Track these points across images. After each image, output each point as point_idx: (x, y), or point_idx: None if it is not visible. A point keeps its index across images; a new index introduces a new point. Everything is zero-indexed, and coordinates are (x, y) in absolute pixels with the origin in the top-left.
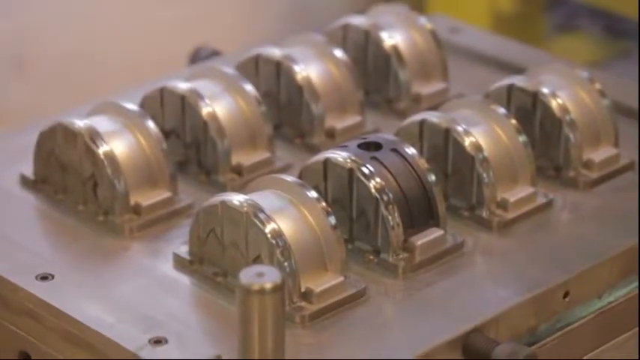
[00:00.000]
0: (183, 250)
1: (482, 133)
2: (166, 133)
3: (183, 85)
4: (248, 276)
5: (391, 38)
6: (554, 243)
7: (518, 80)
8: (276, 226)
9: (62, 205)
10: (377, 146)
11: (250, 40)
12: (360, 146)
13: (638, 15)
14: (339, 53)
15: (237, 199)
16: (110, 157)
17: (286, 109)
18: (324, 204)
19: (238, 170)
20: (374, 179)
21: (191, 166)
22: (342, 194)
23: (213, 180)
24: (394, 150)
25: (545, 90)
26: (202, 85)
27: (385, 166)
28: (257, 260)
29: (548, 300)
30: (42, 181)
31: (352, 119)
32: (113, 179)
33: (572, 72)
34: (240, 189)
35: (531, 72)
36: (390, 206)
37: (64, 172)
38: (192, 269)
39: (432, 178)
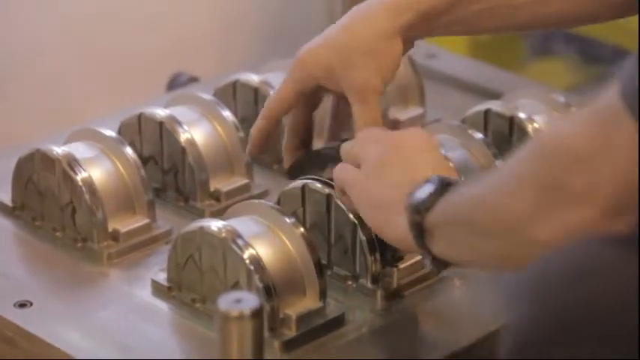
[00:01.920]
0: (162, 277)
1: (459, 157)
2: (144, 160)
3: (161, 112)
4: (226, 302)
5: None
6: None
7: (494, 105)
8: (254, 252)
9: (40, 232)
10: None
11: (228, 66)
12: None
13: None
14: None
15: (215, 225)
16: (88, 183)
17: None
18: (302, 229)
19: (216, 196)
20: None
21: (169, 192)
22: (320, 219)
23: (191, 206)
24: None
25: (521, 114)
26: (180, 112)
27: None
28: (235, 286)
29: None
30: (20, 207)
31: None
32: (91, 206)
33: (548, 96)
34: (219, 215)
35: (508, 97)
36: (368, 232)
37: (42, 199)
38: (171, 295)
39: None
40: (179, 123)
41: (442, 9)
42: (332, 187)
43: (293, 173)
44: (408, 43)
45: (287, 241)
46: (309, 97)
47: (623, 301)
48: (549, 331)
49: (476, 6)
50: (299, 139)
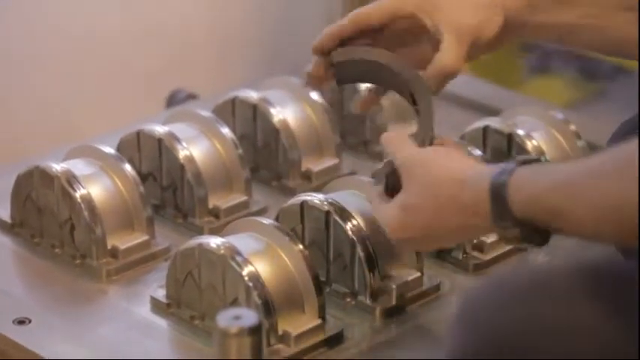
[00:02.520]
0: (161, 294)
1: None
2: (143, 176)
3: (160, 129)
4: (225, 319)
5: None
6: None
7: (493, 122)
8: (253, 269)
9: (39, 249)
10: None
11: (227, 83)
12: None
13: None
14: (315, 96)
15: (214, 242)
16: (87, 200)
17: (263, 152)
18: (301, 246)
19: (215, 213)
20: (350, 221)
21: (168, 209)
22: (319, 236)
23: (190, 223)
24: None
25: (520, 131)
26: (179, 129)
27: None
28: (234, 303)
29: None
30: (19, 224)
31: (329, 162)
32: (90, 223)
33: (547, 113)
34: (218, 232)
35: (506, 113)
36: (367, 248)
37: (41, 216)
38: (170, 312)
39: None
40: (178, 140)
41: (543, 6)
42: (331, 204)
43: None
44: (497, 41)
45: (286, 258)
46: (395, 32)
47: (556, 325)
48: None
49: (576, 11)
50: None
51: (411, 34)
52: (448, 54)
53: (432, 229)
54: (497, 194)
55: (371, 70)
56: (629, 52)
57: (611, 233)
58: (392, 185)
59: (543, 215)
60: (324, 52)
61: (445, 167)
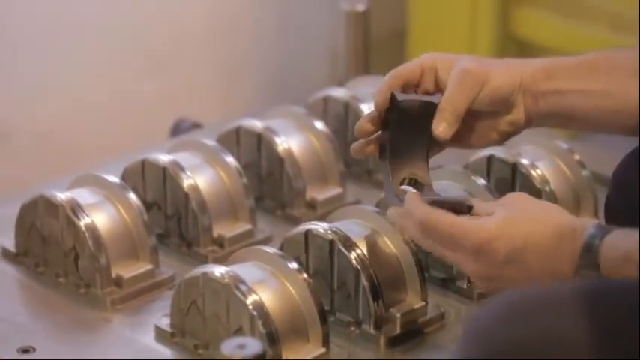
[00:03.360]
0: (165, 322)
1: None
2: (148, 205)
3: (164, 158)
4: (229, 347)
5: (371, 109)
6: None
7: (497, 151)
8: (257, 298)
9: (43, 277)
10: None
11: (231, 113)
12: None
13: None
14: (319, 125)
15: (218, 270)
16: (92, 229)
17: (267, 181)
18: (305, 275)
19: (220, 242)
20: (354, 250)
21: (172, 238)
22: (323, 265)
23: (194, 252)
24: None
25: (524, 161)
26: (183, 158)
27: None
28: (238, 332)
29: None
30: (23, 253)
31: (333, 191)
32: (95, 252)
33: (551, 143)
34: (222, 261)
35: (511, 143)
36: (371, 277)
37: (46, 245)
38: (174, 341)
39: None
40: (182, 169)
41: (565, 89)
42: (335, 233)
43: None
44: (522, 101)
45: (290, 287)
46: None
47: (561, 341)
48: None
49: (605, 95)
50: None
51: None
52: (445, 101)
53: (529, 245)
54: (589, 247)
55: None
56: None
57: None
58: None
59: (632, 270)
60: (379, 108)
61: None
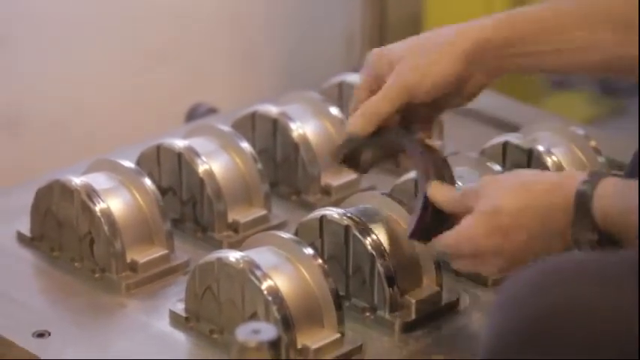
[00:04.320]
0: (180, 307)
1: None
2: (163, 191)
3: (179, 143)
4: (244, 333)
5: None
6: None
7: (513, 137)
8: (272, 283)
9: (59, 262)
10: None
11: (246, 98)
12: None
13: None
14: (335, 111)
15: (233, 256)
16: (107, 214)
17: (282, 167)
18: (320, 261)
19: (235, 227)
20: (370, 236)
21: (188, 223)
22: (338, 251)
23: (209, 237)
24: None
25: (540, 147)
26: (199, 143)
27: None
28: (253, 317)
29: None
30: (39, 238)
31: (348, 176)
32: (110, 236)
33: (567, 129)
34: (237, 246)
35: (526, 129)
36: (386, 263)
37: (61, 230)
38: (189, 326)
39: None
40: (197, 154)
41: (521, 37)
42: (350, 218)
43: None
44: (478, 72)
45: (305, 273)
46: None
47: (597, 307)
48: (516, 339)
49: (559, 37)
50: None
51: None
52: (364, 106)
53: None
54: (582, 202)
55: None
56: (617, 70)
57: None
58: (429, 223)
59: (623, 231)
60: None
61: (532, 173)
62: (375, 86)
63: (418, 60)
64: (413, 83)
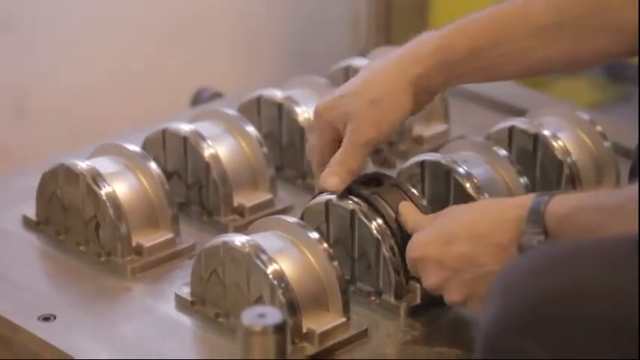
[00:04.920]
0: (185, 291)
1: (483, 174)
2: (168, 175)
3: (185, 127)
4: (250, 317)
5: None
6: None
7: (519, 122)
8: (278, 267)
9: (64, 246)
10: (377, 182)
11: (252, 82)
12: (360, 183)
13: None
14: None
15: (239, 240)
16: (112, 198)
17: (288, 151)
18: (325, 245)
19: (240, 211)
20: (375, 220)
21: (193, 207)
22: (343, 235)
23: (215, 221)
24: (395, 185)
25: (546, 132)
26: (204, 127)
27: (387, 201)
28: (259, 301)
29: None
30: (44, 221)
31: None
32: (115, 220)
33: (573, 114)
34: (242, 230)
35: (532, 114)
36: (392, 247)
37: (66, 213)
38: (194, 310)
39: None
40: (203, 138)
41: (458, 61)
42: (356, 203)
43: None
44: (424, 95)
45: (310, 257)
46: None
47: (585, 291)
48: (515, 324)
49: (491, 54)
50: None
51: None
52: (332, 166)
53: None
54: (537, 207)
55: None
56: (556, 69)
57: None
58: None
59: (575, 231)
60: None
61: (486, 200)
62: (327, 137)
63: (372, 115)
64: (374, 136)
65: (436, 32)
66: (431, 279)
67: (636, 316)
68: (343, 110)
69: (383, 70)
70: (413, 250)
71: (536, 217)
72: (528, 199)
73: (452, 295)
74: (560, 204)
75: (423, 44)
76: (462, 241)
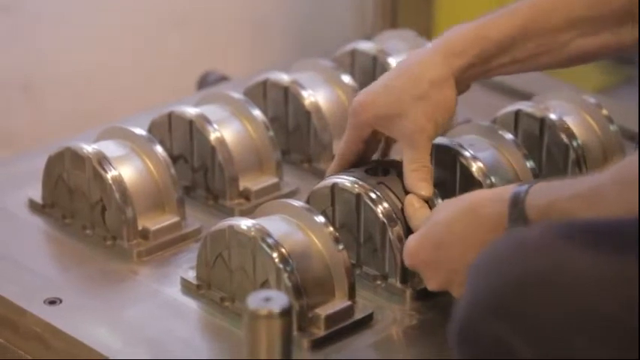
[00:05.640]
0: (191, 275)
1: (489, 157)
2: (174, 158)
3: (191, 110)
4: (255, 301)
5: (397, 62)
6: None
7: (525, 106)
8: (283, 251)
9: (70, 229)
10: (385, 171)
11: (258, 66)
12: (367, 171)
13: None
14: (346, 79)
15: (244, 223)
16: (118, 181)
17: (294, 134)
18: (331, 229)
19: (246, 195)
20: (381, 204)
21: (199, 191)
22: (349, 219)
23: (220, 205)
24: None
25: (552, 115)
26: (210, 110)
27: (393, 191)
28: (265, 285)
29: None
30: (50, 205)
31: None
32: (121, 204)
33: (579, 98)
34: (248, 214)
35: (539, 97)
36: (398, 231)
37: (72, 197)
38: (200, 294)
39: (439, 202)
40: (209, 122)
41: (496, 52)
42: (362, 186)
43: None
44: (463, 86)
45: (316, 241)
46: (370, 138)
47: (558, 279)
48: (492, 305)
49: (528, 45)
50: (346, 167)
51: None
52: (408, 167)
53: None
54: (516, 200)
55: None
56: (589, 59)
57: None
58: None
59: (556, 219)
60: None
61: (467, 195)
62: (363, 134)
63: (423, 110)
64: (434, 131)
65: (472, 23)
66: (432, 282)
67: (615, 301)
68: (384, 111)
69: (422, 65)
70: (407, 257)
71: (516, 211)
72: (507, 192)
73: (460, 292)
74: (539, 194)
75: (461, 36)
76: (449, 245)
